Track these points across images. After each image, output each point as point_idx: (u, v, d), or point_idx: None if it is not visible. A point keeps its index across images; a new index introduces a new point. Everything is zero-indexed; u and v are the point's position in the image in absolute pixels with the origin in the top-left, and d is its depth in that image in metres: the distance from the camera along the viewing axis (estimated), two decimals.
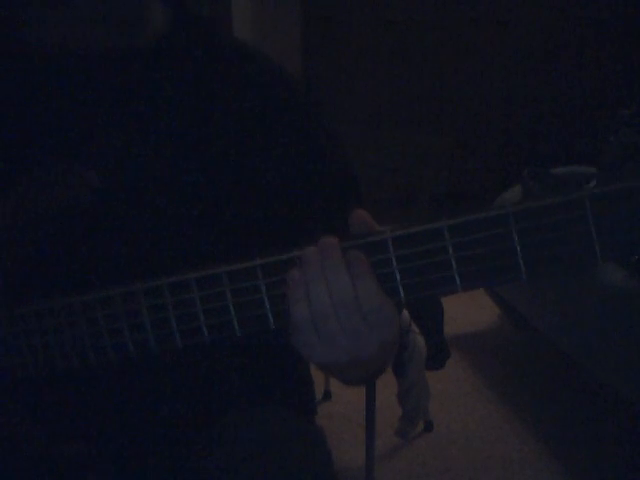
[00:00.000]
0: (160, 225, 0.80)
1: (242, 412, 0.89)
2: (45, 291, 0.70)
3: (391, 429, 2.15)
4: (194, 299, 0.64)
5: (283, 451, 0.87)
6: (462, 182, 3.80)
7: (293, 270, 0.61)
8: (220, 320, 0.64)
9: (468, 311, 2.95)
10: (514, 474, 2.10)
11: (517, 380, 2.61)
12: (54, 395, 0.82)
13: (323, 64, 3.89)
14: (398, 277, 0.59)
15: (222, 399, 0.88)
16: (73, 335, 0.69)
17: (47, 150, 0.80)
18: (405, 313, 1.85)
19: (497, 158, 3.94)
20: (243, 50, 0.87)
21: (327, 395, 2.40)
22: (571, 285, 2.24)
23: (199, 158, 0.81)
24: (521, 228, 0.55)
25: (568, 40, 3.91)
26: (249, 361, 0.89)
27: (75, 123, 0.80)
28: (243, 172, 0.81)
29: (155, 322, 0.66)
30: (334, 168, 0.86)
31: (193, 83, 0.82)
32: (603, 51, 3.91)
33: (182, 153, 0.80)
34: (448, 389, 2.51)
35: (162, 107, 0.81)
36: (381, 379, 0.81)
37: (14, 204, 0.73)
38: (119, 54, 0.79)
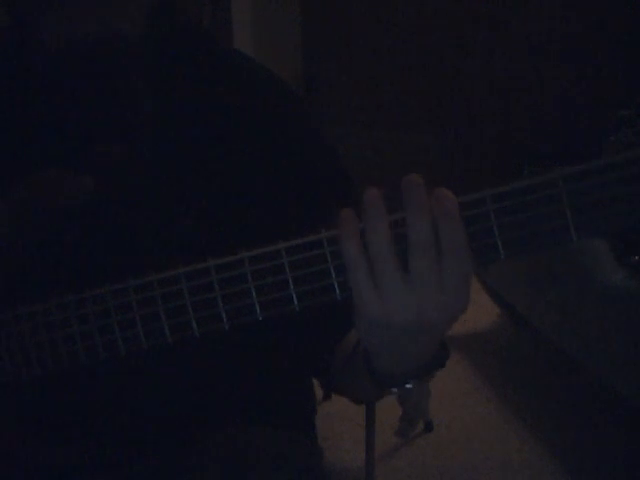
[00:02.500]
0: (156, 229, 0.80)
1: (235, 430, 0.89)
2: (40, 294, 0.70)
3: (391, 429, 2.15)
4: (182, 292, 0.64)
5: (269, 473, 0.87)
6: (462, 182, 3.80)
7: (346, 209, 0.59)
8: (209, 312, 0.64)
9: (468, 311, 2.94)
10: (514, 474, 2.10)
11: (517, 380, 2.61)
12: (44, 398, 0.82)
13: (323, 64, 3.89)
14: None
15: (216, 414, 0.88)
16: (64, 334, 0.69)
17: (44, 155, 0.80)
18: None
19: (497, 158, 3.93)
20: (240, 59, 0.89)
21: (327, 395, 2.41)
22: (571, 285, 2.24)
23: (196, 163, 0.81)
24: (498, 208, 0.56)
25: (568, 40, 3.91)
26: (247, 379, 0.89)
27: (72, 128, 0.81)
28: (238, 179, 0.82)
29: (144, 317, 0.66)
30: (329, 174, 0.87)
31: (191, 90, 0.83)
32: (603, 51, 3.90)
33: (178, 158, 0.81)
34: (448, 389, 2.51)
35: (159, 113, 0.81)
36: None
37: (11, 208, 0.73)
38: (115, 61, 0.79)
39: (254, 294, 0.62)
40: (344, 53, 3.88)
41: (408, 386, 0.69)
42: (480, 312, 2.98)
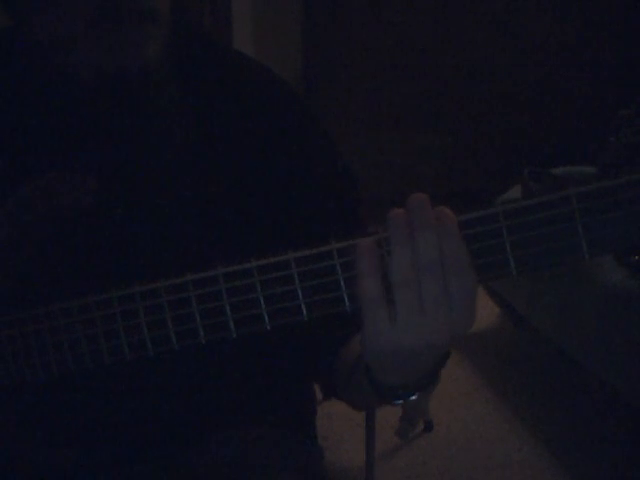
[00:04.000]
0: (159, 230, 0.80)
1: (235, 430, 0.89)
2: (44, 295, 0.70)
3: (391, 429, 2.15)
4: (190, 299, 0.64)
5: (269, 473, 0.87)
6: (462, 182, 3.80)
7: (364, 239, 0.58)
8: (216, 320, 0.63)
9: None
10: (514, 474, 2.10)
11: (517, 380, 2.61)
12: (46, 400, 0.82)
13: (323, 64, 3.88)
14: None
15: (217, 414, 0.88)
16: (69, 338, 0.69)
17: (48, 155, 0.81)
18: None
19: (497, 158, 3.93)
20: (241, 62, 0.89)
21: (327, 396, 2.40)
22: (571, 285, 2.24)
23: (198, 165, 0.81)
24: (510, 225, 0.56)
25: (568, 40, 3.91)
26: (248, 379, 0.89)
27: (76, 130, 0.81)
28: (241, 179, 0.82)
29: (151, 324, 0.65)
30: (332, 173, 0.87)
31: (193, 93, 0.83)
32: (603, 51, 3.90)
33: (181, 160, 0.81)
34: (448, 389, 2.50)
35: (162, 116, 0.82)
36: None
37: (14, 208, 0.73)
38: (120, 67, 0.79)
39: (263, 304, 0.62)
40: (344, 53, 3.88)
41: (413, 398, 0.68)
42: (480, 312, 2.95)
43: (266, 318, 0.62)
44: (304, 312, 0.61)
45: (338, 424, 2.23)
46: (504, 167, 3.67)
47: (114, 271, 0.78)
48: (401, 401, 0.69)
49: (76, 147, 0.81)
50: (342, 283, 0.60)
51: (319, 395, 0.97)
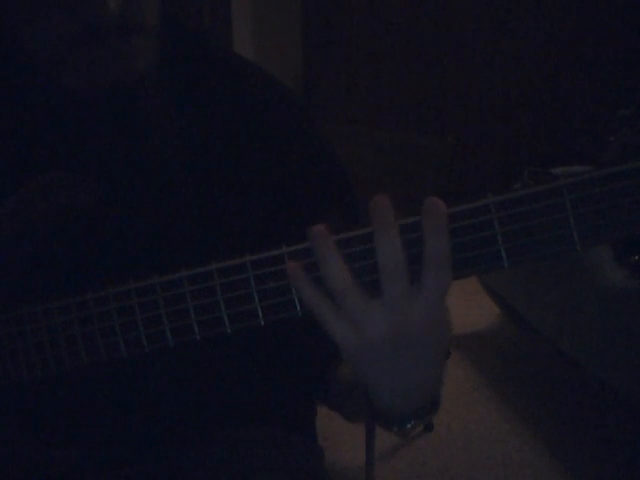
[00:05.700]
0: (158, 230, 0.81)
1: (235, 430, 0.89)
2: (44, 294, 0.70)
3: None
4: (185, 295, 0.64)
5: (269, 473, 0.87)
6: (462, 182, 3.80)
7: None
8: (210, 316, 0.63)
9: (468, 311, 2.95)
10: (514, 474, 2.10)
11: (517, 380, 2.61)
12: (45, 399, 0.82)
13: (323, 64, 3.89)
14: None
15: (216, 414, 0.88)
16: (66, 336, 0.69)
17: (48, 157, 0.81)
18: None
19: (497, 158, 3.94)
20: (239, 64, 0.88)
21: None
22: (571, 285, 2.24)
23: (196, 167, 0.82)
24: (502, 216, 0.56)
25: (568, 40, 3.91)
26: (248, 379, 0.89)
27: (75, 132, 0.81)
28: (239, 182, 0.82)
29: (146, 320, 0.66)
30: (329, 177, 0.87)
31: (190, 97, 0.83)
32: (603, 51, 3.91)
33: (179, 162, 0.81)
34: (448, 389, 2.50)
35: (159, 119, 0.82)
36: None
37: (15, 208, 0.73)
38: (110, 81, 0.79)
39: (256, 299, 0.62)
40: (344, 53, 3.89)
41: (408, 426, 0.67)
42: (480, 312, 2.98)
43: (260, 313, 0.62)
44: (298, 307, 0.61)
45: (338, 424, 2.22)
46: (504, 167, 3.68)
47: (114, 270, 0.78)
48: (396, 429, 0.68)
49: (75, 149, 0.81)
50: None
51: None
